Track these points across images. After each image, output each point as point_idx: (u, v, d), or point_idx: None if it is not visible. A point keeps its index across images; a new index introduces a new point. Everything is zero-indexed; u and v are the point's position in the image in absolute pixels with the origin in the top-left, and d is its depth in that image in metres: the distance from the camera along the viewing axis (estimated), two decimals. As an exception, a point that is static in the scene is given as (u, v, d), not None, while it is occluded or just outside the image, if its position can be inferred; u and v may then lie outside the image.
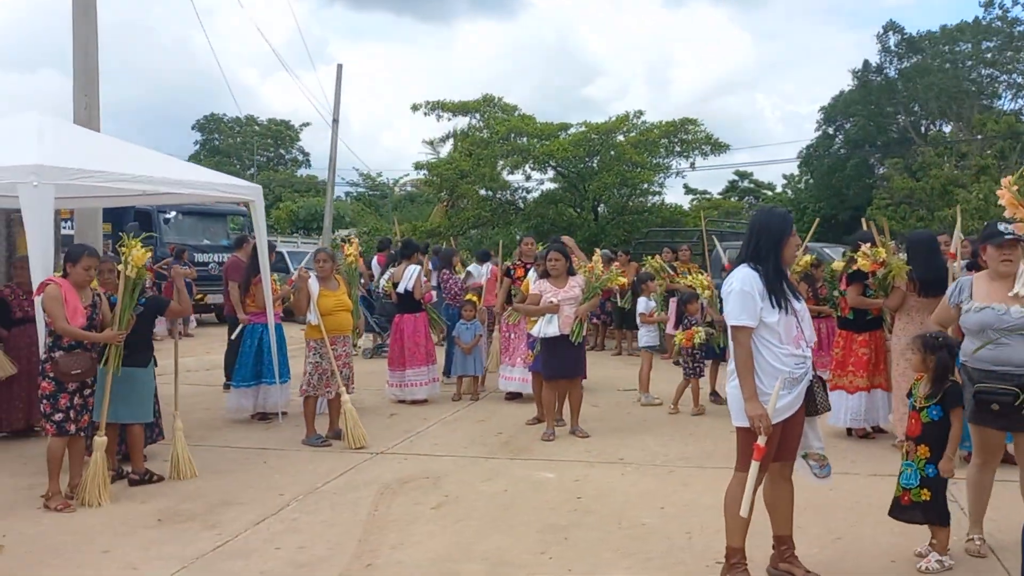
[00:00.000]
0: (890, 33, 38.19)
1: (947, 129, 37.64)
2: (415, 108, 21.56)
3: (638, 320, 9.06)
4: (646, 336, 8.80)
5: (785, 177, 44.06)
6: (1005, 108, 36.07)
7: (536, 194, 22.37)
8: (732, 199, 43.15)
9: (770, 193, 47.33)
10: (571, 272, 7.41)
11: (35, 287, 5.59)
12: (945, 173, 28.08)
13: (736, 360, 3.80)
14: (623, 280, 8.74)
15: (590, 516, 5.10)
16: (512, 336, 8.99)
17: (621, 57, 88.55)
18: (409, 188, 31.77)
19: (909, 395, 4.38)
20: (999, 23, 36.26)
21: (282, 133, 62.52)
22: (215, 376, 9.88)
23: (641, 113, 20.77)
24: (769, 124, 75.32)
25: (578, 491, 5.63)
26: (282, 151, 62.93)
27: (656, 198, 22.35)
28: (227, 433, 7.56)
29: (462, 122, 22.68)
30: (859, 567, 4.18)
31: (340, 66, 27.34)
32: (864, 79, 38.78)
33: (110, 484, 5.52)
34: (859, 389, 6.93)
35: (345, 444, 6.91)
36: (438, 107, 21.68)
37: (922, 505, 4.09)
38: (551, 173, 22.18)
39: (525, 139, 20.59)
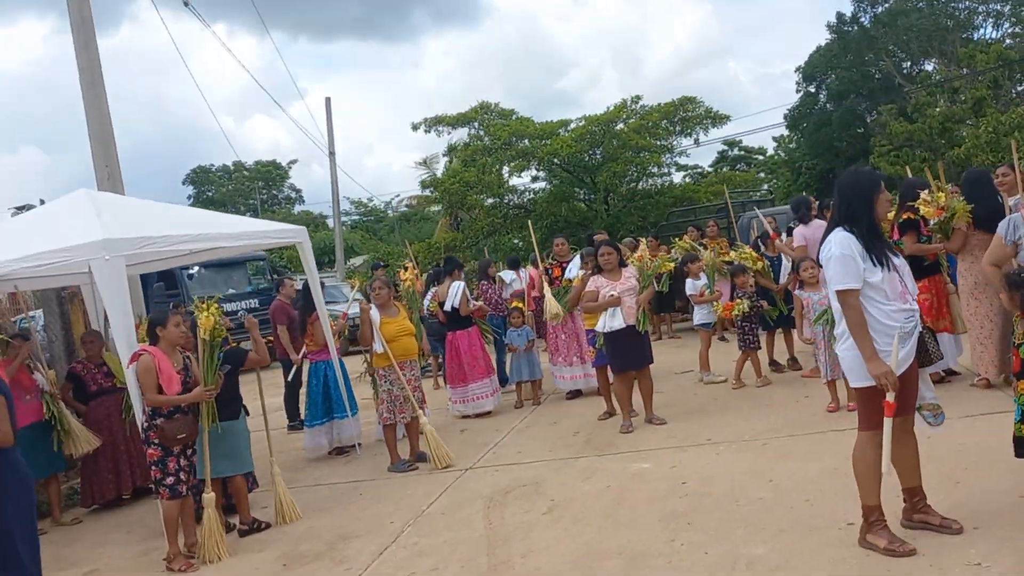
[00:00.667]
0: (860, -19, 38.18)
1: (929, 67, 37.78)
2: (415, 127, 21.78)
3: (691, 301, 9.14)
4: (700, 315, 8.87)
5: (775, 140, 44.11)
6: (987, 37, 36.19)
7: (544, 193, 22.43)
8: (723, 169, 43.25)
9: (761, 158, 47.43)
10: (622, 264, 7.49)
11: (122, 358, 5.70)
12: (942, 111, 28.16)
13: (849, 323, 3.87)
14: (671, 265, 8.81)
15: (704, 499, 5.17)
16: (561, 336, 9.07)
17: (589, 46, 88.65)
18: (405, 207, 31.95)
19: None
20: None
21: (272, 173, 62.80)
22: (275, 419, 9.96)
23: (639, 98, 20.94)
24: (747, 89, 75.40)
25: (680, 477, 5.71)
26: (274, 191, 63.20)
27: (664, 179, 22.44)
28: (311, 472, 7.65)
29: (460, 134, 22.83)
30: (988, 507, 4.24)
31: (328, 99, 27.63)
32: (840, 31, 38.90)
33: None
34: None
35: (432, 465, 7.00)
36: (437, 123, 21.83)
37: (1032, 441, 4.16)
38: (543, 173, 22.29)
39: (526, 141, 20.70)
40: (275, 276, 21.17)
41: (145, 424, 5.50)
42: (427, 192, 28.29)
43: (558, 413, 8.64)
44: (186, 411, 5.53)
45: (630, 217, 20.21)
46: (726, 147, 44.85)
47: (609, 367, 7.61)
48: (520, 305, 9.67)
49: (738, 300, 8.44)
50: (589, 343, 8.18)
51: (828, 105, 39.01)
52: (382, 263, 14.09)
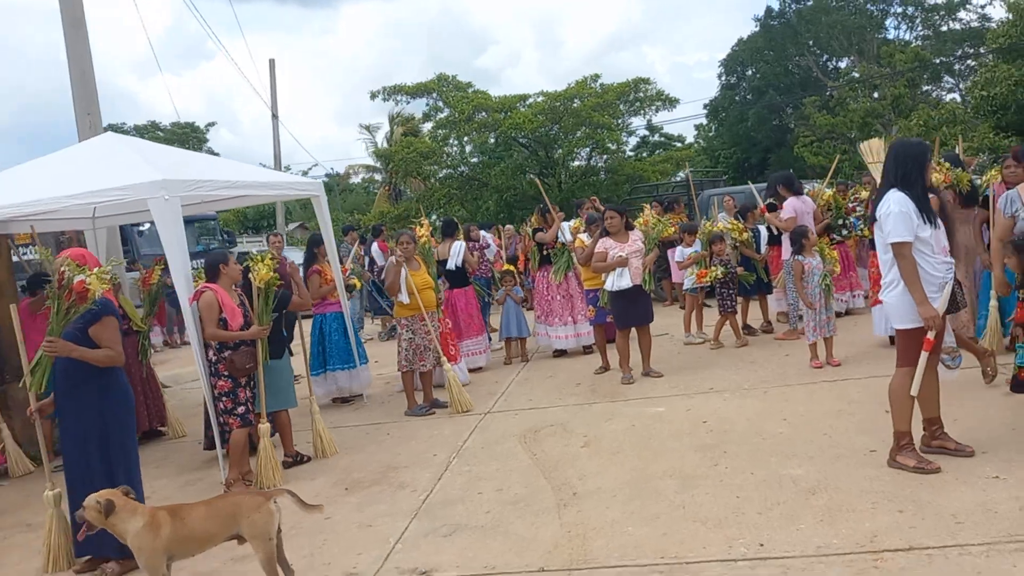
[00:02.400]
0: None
1: (842, 64, 39.72)
2: (373, 96, 21.78)
3: (674, 268, 9.77)
4: (689, 280, 9.50)
5: (696, 128, 45.38)
6: (890, 37, 38.25)
7: (501, 167, 22.82)
8: (643, 155, 44.49)
9: (680, 145, 48.86)
10: (629, 227, 8.02)
11: (181, 295, 5.91)
12: (863, 106, 29.76)
13: (903, 272, 4.45)
14: (672, 230, 9.37)
15: (729, 434, 5.76)
16: (557, 298, 9.56)
17: (510, 24, 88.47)
18: (360, 176, 31.96)
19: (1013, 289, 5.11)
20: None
21: (188, 136, 60.90)
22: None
23: (597, 77, 21.46)
24: (663, 77, 76.75)
25: (698, 417, 6.29)
26: (190, 154, 61.25)
27: (615, 157, 23.09)
28: (324, 418, 7.91)
29: (409, 104, 22.92)
30: (988, 437, 4.92)
31: (272, 61, 27.12)
32: (767, 25, 40.41)
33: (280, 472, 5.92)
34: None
35: (452, 410, 7.41)
36: (396, 92, 21.91)
37: (1038, 381, 4.90)
38: (502, 145, 22.64)
39: (484, 114, 21.03)
40: (226, 236, 21.02)
41: (213, 358, 5.75)
42: (368, 161, 28.24)
43: (551, 368, 9.15)
44: (249, 343, 5.80)
45: (584, 192, 20.84)
46: (647, 132, 46.14)
47: (614, 322, 8.11)
48: (512, 268, 10.11)
49: (713, 267, 9.09)
50: (590, 302, 8.69)
51: (748, 97, 40.59)
52: (352, 227, 14.30)
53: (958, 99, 33.74)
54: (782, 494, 4.50)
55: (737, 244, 9.29)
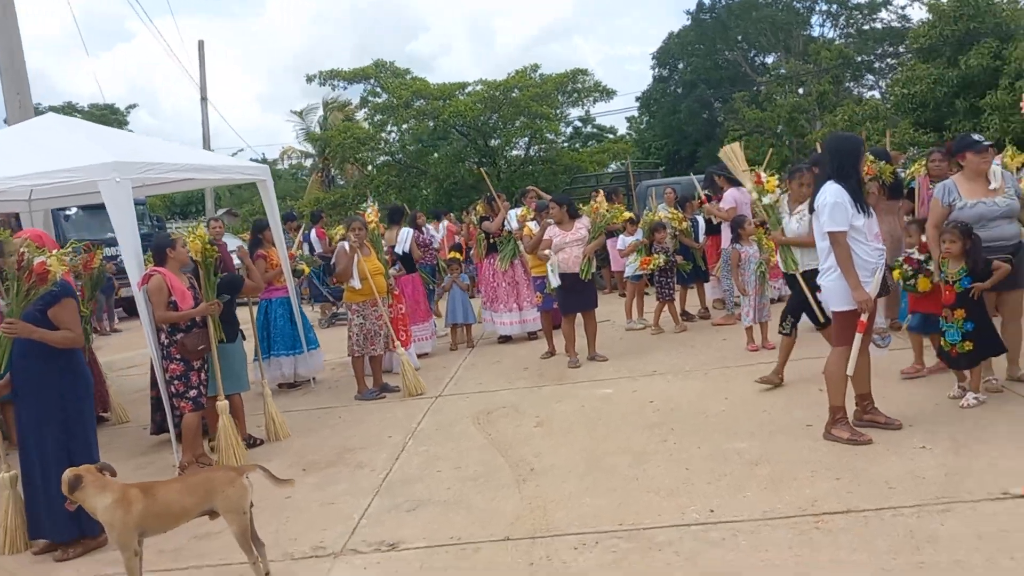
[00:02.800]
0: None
1: (769, 60, 40.92)
2: (310, 79, 21.54)
3: (617, 256, 10.03)
4: (631, 268, 9.77)
5: (628, 120, 45.98)
6: (815, 35, 39.53)
7: (440, 155, 22.84)
8: (576, 146, 45.00)
9: (611, 137, 49.50)
10: (575, 215, 8.24)
11: (132, 278, 5.88)
12: (790, 101, 30.71)
13: (839, 258, 4.76)
14: (628, 214, 9.60)
15: (674, 413, 6.03)
16: (502, 284, 9.73)
17: (442, 11, 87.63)
18: (293, 160, 31.45)
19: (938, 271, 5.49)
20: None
21: (107, 118, 59.00)
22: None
23: (537, 67, 21.64)
24: (596, 69, 77.15)
25: (644, 398, 6.54)
26: (110, 137, 59.39)
27: (552, 147, 23.34)
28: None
29: (346, 89, 22.74)
30: (914, 412, 5.29)
31: (201, 42, 26.62)
32: (698, 19, 41.25)
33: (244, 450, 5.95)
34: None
35: (403, 394, 7.52)
36: (332, 76, 21.68)
37: (966, 355, 5.27)
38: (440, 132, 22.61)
39: (423, 101, 21.01)
40: (155, 222, 20.55)
41: (165, 341, 5.74)
42: (299, 146, 27.90)
43: (496, 354, 9.32)
44: (201, 325, 5.81)
45: (523, 181, 21.03)
46: (580, 123, 46.62)
47: (559, 308, 8.33)
48: (458, 255, 10.25)
49: (655, 255, 9.39)
50: (537, 289, 8.88)
51: (679, 90, 41.43)
52: (293, 216, 14.18)
53: (878, 96, 35.14)
54: (728, 466, 4.77)
55: (677, 233, 9.60)
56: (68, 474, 3.64)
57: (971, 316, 5.25)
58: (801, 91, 32.11)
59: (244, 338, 6.66)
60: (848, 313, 4.83)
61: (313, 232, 14.01)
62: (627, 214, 9.41)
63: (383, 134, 20.69)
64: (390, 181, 21.80)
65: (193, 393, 5.71)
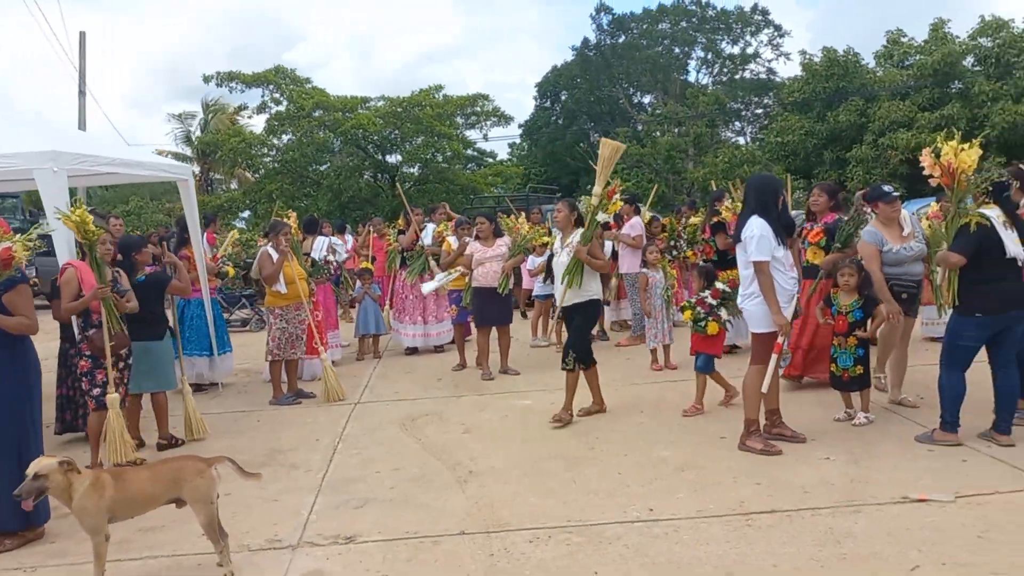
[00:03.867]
0: (602, 13, 42.07)
1: (646, 99, 42.98)
2: (207, 79, 20.91)
3: (525, 276, 10.38)
4: (539, 287, 10.13)
5: (510, 146, 46.70)
6: (691, 80, 41.87)
7: (336, 167, 22.66)
8: (457, 167, 45.46)
9: (492, 160, 50.25)
10: (499, 233, 8.55)
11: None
12: (668, 140, 32.39)
13: (762, 286, 5.23)
14: (548, 239, 9.93)
15: (597, 423, 6.39)
16: (410, 297, 9.90)
17: (323, 23, 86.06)
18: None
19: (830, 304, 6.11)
20: (692, 5, 41.46)
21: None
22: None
23: (440, 87, 21.90)
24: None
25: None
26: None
27: (449, 167, 23.61)
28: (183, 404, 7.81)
29: (244, 92, 22.27)
30: (814, 428, 5.82)
31: (83, 33, 25.47)
32: (583, 55, 42.79)
33: (135, 452, 5.77)
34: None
35: (322, 399, 7.56)
36: (231, 79, 21.17)
37: (857, 378, 5.88)
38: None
39: (319, 112, 20.84)
40: (30, 215, 19.46)
41: (79, 336, 5.62)
42: (174, 148, 27.04)
43: (406, 364, 9.46)
44: (121, 322, 5.68)
45: (419, 199, 21.18)
46: (461, 146, 47.12)
47: (473, 322, 8.58)
48: (369, 266, 10.34)
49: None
50: (452, 302, 9.10)
51: (559, 121, 42.80)
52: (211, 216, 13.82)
53: (743, 142, 37.48)
54: (657, 471, 5.15)
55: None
56: (45, 461, 3.60)
57: (861, 343, 5.88)
58: (677, 131, 33.90)
59: (174, 336, 6.57)
60: (767, 335, 5.33)
61: (204, 236, 13.67)
62: (547, 239, 9.78)
63: (274, 140, 20.35)
64: (283, 189, 21.48)
65: (96, 392, 5.56)
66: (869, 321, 5.91)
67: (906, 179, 21.15)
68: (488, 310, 8.38)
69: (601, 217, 6.55)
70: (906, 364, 6.48)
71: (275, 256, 7.61)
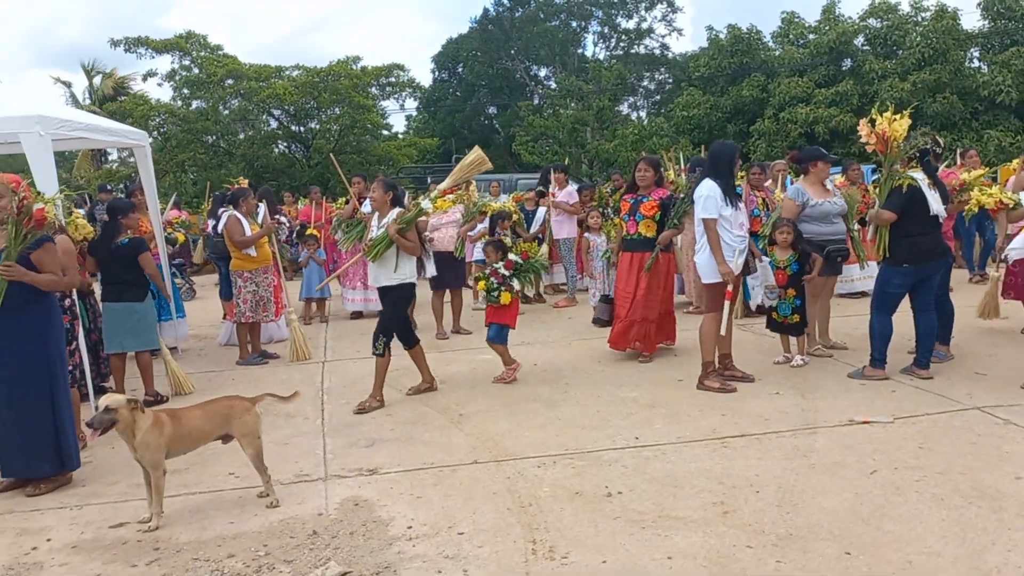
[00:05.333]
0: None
1: (542, 73, 43.69)
2: (114, 44, 20.12)
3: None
4: (479, 253, 10.56)
5: (408, 118, 46.42)
6: (588, 54, 42.83)
7: (251, 137, 22.28)
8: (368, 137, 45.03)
9: (387, 132, 49.91)
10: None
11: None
12: (573, 113, 33.12)
13: (710, 240, 5.89)
14: (495, 205, 10.33)
15: (562, 372, 6.93)
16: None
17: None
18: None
19: (766, 261, 6.80)
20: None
21: None
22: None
23: (359, 58, 21.79)
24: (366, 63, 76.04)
25: (527, 362, 7.29)
26: None
27: (366, 138, 23.57)
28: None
29: (154, 58, 21.53)
30: (761, 371, 6.55)
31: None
32: (483, 27, 43.00)
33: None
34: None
35: (290, 359, 7.84)
36: (139, 44, 20.45)
37: (795, 325, 6.63)
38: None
39: (231, 81, 20.46)
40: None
41: None
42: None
43: (357, 327, 9.74)
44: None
45: (336, 170, 21.08)
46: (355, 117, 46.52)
47: (430, 284, 8.96)
48: (316, 232, 10.54)
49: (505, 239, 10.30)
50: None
51: (458, 93, 43.02)
52: (108, 187, 13.57)
53: (635, 116, 38.68)
54: (630, 408, 5.74)
55: (514, 223, 10.55)
56: (116, 397, 3.85)
57: (799, 294, 6.63)
58: (573, 105, 34.68)
59: (155, 297, 6.72)
60: (717, 284, 5.99)
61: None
62: (495, 205, 10.22)
63: (183, 107, 19.84)
64: (197, 159, 21.02)
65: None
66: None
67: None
68: (444, 273, 8.77)
69: (425, 204, 6.41)
70: (829, 314, 7.29)
71: (244, 221, 7.80)
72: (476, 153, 6.85)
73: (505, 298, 6.59)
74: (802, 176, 7.08)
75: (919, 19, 24.42)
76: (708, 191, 5.91)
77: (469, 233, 10.76)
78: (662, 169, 7.53)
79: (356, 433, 5.46)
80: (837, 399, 5.70)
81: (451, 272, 8.80)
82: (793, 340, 6.80)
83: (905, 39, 23.96)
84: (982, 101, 23.20)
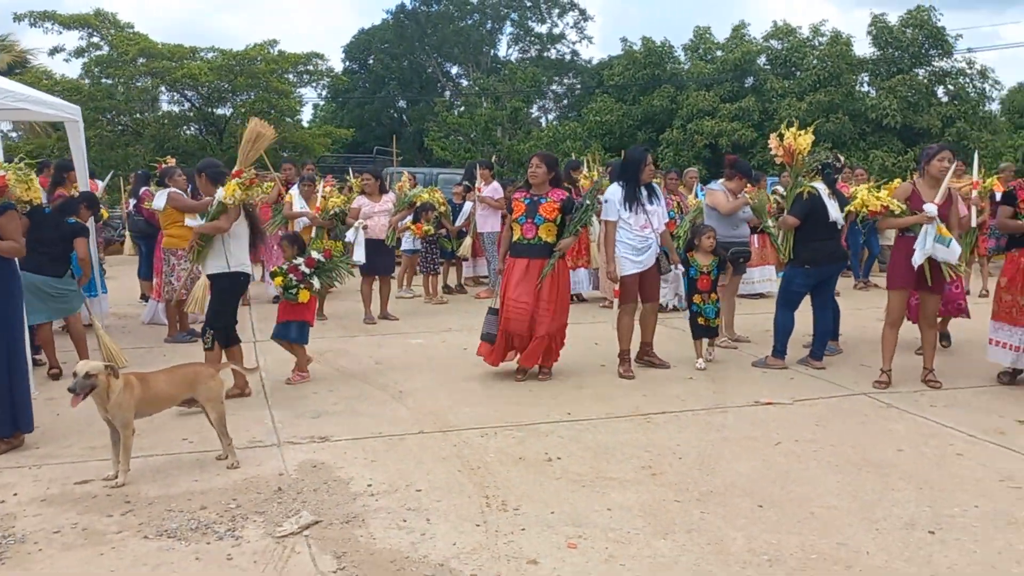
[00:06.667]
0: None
1: (454, 70, 44.09)
2: (18, 18, 19.29)
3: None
4: (407, 242, 10.86)
5: (315, 108, 45.77)
6: (500, 55, 43.50)
7: (160, 116, 21.73)
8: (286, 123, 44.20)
9: (290, 120, 49.15)
10: (383, 190, 9.22)
11: None
12: (487, 112, 33.60)
13: (605, 241, 6.47)
14: (425, 196, 10.55)
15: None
16: (274, 247, 10.30)
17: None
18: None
19: (690, 266, 7.36)
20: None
21: None
22: None
23: (276, 42, 21.55)
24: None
25: (456, 347, 7.72)
26: None
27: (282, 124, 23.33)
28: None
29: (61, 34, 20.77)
30: (677, 356, 7.11)
31: None
32: (398, 20, 43.00)
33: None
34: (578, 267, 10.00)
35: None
36: (45, 18, 19.67)
37: (715, 328, 7.16)
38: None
39: (142, 61, 19.96)
40: None
41: None
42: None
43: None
44: None
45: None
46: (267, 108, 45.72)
47: (360, 271, 9.20)
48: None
49: (425, 225, 10.57)
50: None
51: (367, 85, 42.89)
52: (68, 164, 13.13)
53: (544, 121, 39.50)
54: (559, 389, 6.19)
55: (439, 215, 10.89)
56: (94, 363, 4.02)
57: (720, 298, 7.22)
58: (487, 104, 35.18)
59: (74, 277, 6.79)
60: (627, 280, 6.52)
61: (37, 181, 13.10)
62: (424, 195, 10.47)
63: (92, 86, 19.20)
64: (103, 136, 20.36)
65: None
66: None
67: (708, 162, 23.77)
68: (375, 260, 9.04)
69: (219, 193, 5.72)
70: (734, 310, 7.95)
71: (184, 195, 7.90)
72: (252, 123, 5.88)
73: (303, 296, 6.34)
74: (722, 180, 7.71)
75: (816, 43, 25.99)
76: (610, 195, 6.46)
77: (400, 223, 11.10)
78: (558, 168, 6.83)
79: (301, 406, 5.71)
80: (743, 383, 6.30)
81: (381, 259, 9.07)
82: (705, 342, 7.25)
83: (803, 61, 25.48)
84: (869, 123, 24.91)
